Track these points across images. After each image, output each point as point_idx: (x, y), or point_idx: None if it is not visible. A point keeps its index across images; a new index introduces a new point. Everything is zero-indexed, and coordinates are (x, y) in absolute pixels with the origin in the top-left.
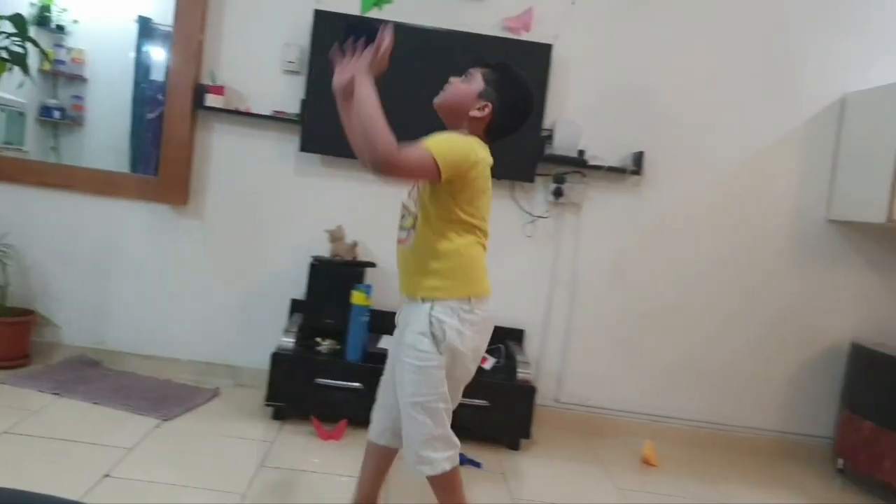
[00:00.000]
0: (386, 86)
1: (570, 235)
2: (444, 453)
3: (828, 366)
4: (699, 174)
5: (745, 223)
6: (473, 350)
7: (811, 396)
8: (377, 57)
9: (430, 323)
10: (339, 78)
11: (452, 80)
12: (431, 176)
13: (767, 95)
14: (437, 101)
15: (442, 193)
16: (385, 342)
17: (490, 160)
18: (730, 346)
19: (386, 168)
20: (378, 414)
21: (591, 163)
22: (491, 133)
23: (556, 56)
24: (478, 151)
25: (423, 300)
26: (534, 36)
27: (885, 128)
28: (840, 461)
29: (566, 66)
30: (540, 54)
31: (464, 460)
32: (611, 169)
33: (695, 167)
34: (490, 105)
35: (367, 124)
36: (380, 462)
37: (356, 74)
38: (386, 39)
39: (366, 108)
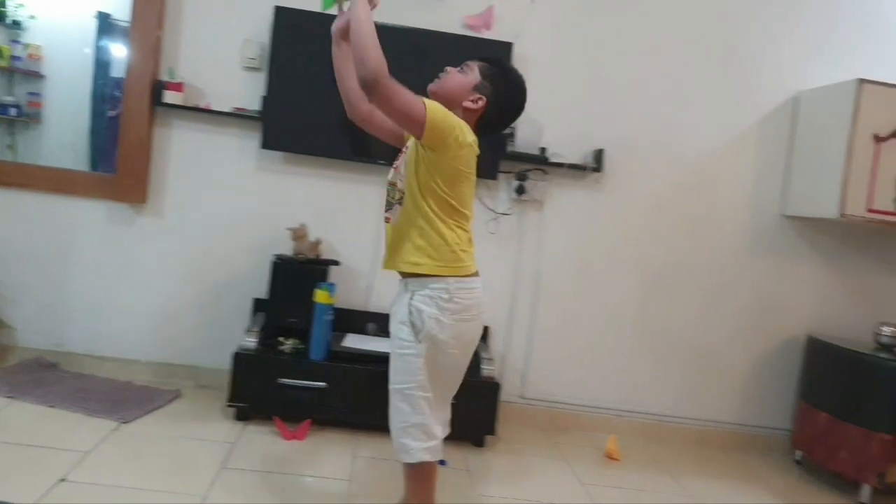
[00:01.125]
0: None
1: (533, 232)
2: (422, 443)
3: (785, 359)
4: (658, 171)
5: (704, 219)
6: (456, 337)
7: (769, 389)
8: None
9: (410, 312)
10: (338, 22)
11: (449, 69)
12: (414, 122)
13: (724, 94)
14: (432, 87)
15: (423, 169)
16: (350, 341)
17: (477, 149)
18: (690, 341)
19: (374, 84)
20: None
21: (553, 160)
22: (482, 126)
23: (517, 55)
24: (467, 134)
25: (405, 277)
26: (495, 34)
27: (836, 125)
28: (798, 453)
29: (527, 65)
30: (501, 53)
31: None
32: (572, 166)
33: (654, 164)
34: (485, 99)
35: (361, 42)
36: None
37: None
38: None
39: (361, 28)
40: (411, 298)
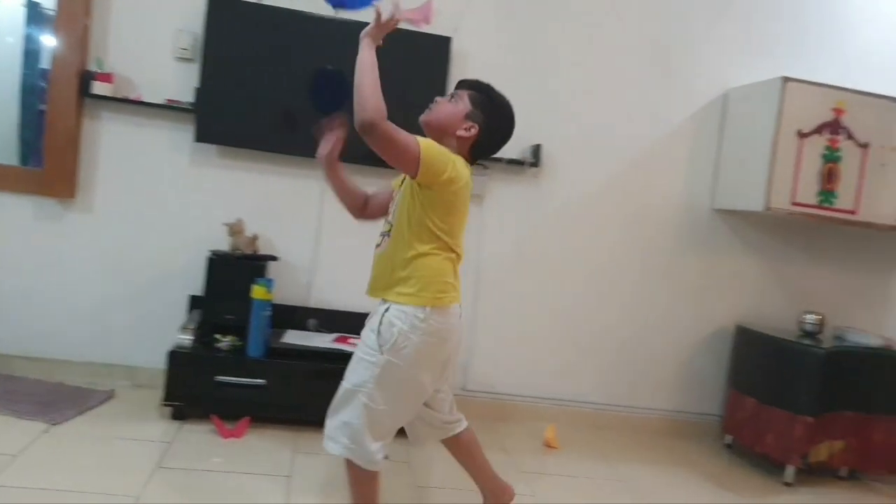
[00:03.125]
0: (283, 76)
1: (474, 227)
2: (349, 442)
3: (716, 348)
4: (594, 166)
5: (638, 213)
6: (422, 356)
7: (701, 377)
8: (381, 28)
9: (381, 322)
10: (324, 148)
11: (439, 99)
12: (409, 162)
13: (658, 91)
14: (423, 118)
15: (417, 204)
16: (290, 337)
17: (471, 184)
18: (625, 331)
19: (371, 129)
20: (416, 424)
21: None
22: (474, 153)
23: (456, 50)
24: (461, 171)
25: (384, 302)
26: (433, 29)
27: (762, 121)
28: (728, 437)
29: (465, 60)
30: (439, 47)
31: None
32: (511, 161)
33: (590, 159)
34: (477, 126)
35: (363, 89)
36: (464, 452)
37: (361, 40)
38: (385, 14)
39: (364, 74)
40: (387, 310)
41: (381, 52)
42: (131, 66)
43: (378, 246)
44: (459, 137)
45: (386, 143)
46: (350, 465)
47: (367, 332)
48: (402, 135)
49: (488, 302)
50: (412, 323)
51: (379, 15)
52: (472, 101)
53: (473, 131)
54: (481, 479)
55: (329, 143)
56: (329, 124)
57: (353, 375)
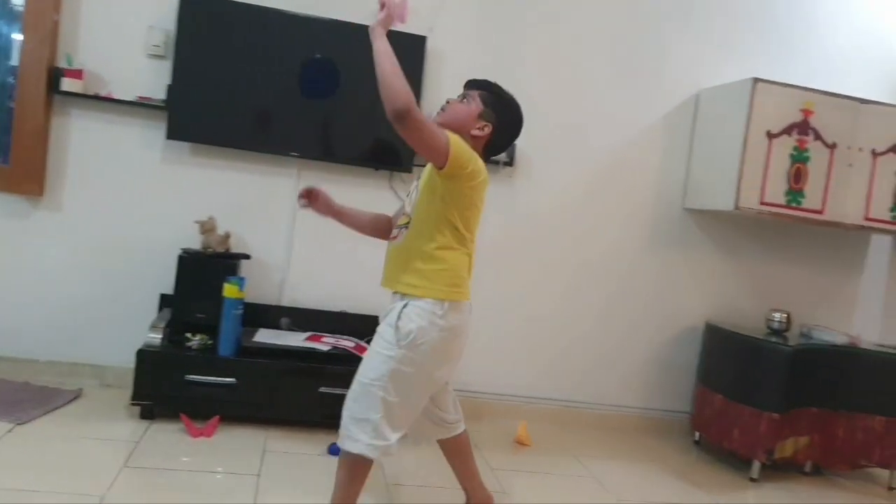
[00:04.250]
0: (256, 73)
1: None
2: (369, 439)
3: (685, 345)
4: (568, 166)
5: (610, 212)
6: (440, 353)
7: (670, 374)
8: (388, 16)
9: (399, 318)
10: (321, 208)
11: (451, 100)
12: (439, 153)
13: (630, 91)
14: (437, 120)
15: (438, 198)
16: (262, 336)
17: (488, 181)
18: (596, 329)
19: (404, 117)
20: (421, 421)
21: None
22: (487, 151)
23: (431, 48)
24: (482, 169)
25: (402, 296)
26: (409, 27)
27: (733, 122)
28: (696, 433)
29: (440, 59)
30: (415, 46)
31: (337, 450)
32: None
33: (564, 159)
34: (490, 125)
35: (388, 79)
36: (457, 454)
37: (371, 31)
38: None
39: (384, 64)
40: (405, 306)
41: (355, 50)
42: (102, 62)
43: (394, 238)
44: (474, 137)
45: (418, 132)
46: (348, 461)
47: (385, 327)
48: (432, 124)
49: None
50: (430, 319)
51: (384, 3)
52: (484, 100)
53: (487, 130)
54: (468, 483)
55: (314, 202)
56: (302, 195)
57: (369, 370)
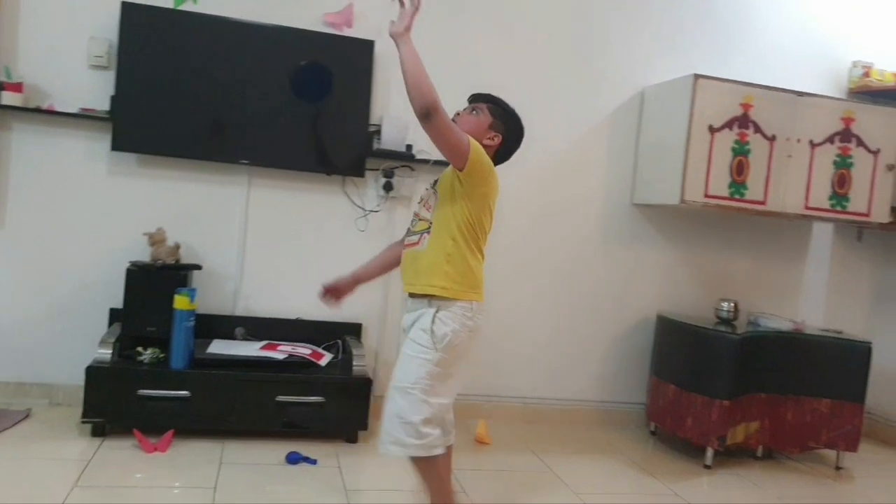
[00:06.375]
0: (202, 81)
1: (402, 228)
2: (415, 440)
3: (639, 337)
4: (516, 163)
5: (560, 209)
6: (466, 351)
7: (625, 367)
8: (408, 17)
9: (433, 321)
10: (350, 290)
11: (461, 112)
12: (461, 154)
13: (577, 89)
14: None
15: (457, 202)
16: (216, 347)
17: (499, 189)
18: (550, 325)
19: (432, 115)
20: None
21: (419, 157)
22: (495, 160)
23: (379, 52)
24: (495, 174)
25: (430, 299)
26: (356, 32)
27: (676, 118)
28: (652, 424)
29: (389, 62)
30: (362, 50)
31: (298, 458)
32: (437, 162)
33: (515, 158)
34: (500, 136)
35: (416, 80)
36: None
37: (395, 37)
38: (408, 2)
39: (413, 67)
40: (437, 311)
41: (303, 56)
42: (42, 74)
43: (414, 245)
44: (485, 146)
45: (444, 131)
46: (417, 462)
47: (419, 333)
48: (457, 128)
49: None
50: (462, 322)
51: (403, 4)
52: (492, 112)
53: (497, 140)
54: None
55: (341, 296)
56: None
57: (406, 375)
